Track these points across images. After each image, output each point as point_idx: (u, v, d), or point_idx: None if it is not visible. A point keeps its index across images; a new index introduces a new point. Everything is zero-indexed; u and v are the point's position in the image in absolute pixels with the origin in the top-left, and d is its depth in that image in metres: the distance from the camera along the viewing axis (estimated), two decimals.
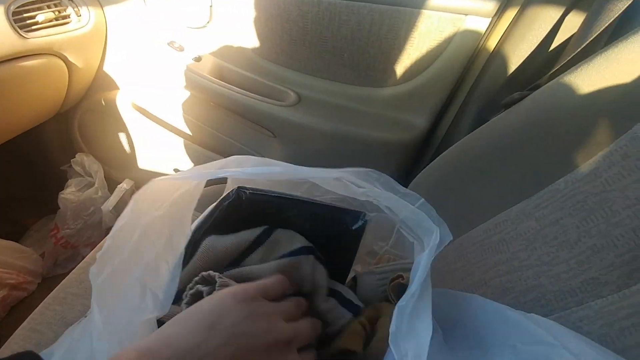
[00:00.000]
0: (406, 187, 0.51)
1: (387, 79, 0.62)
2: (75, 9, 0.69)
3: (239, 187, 0.30)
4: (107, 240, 0.25)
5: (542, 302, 0.31)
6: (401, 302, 0.22)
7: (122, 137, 0.86)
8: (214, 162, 0.29)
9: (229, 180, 0.37)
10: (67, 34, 0.67)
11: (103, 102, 0.81)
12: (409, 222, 0.31)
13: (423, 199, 0.32)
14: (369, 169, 0.34)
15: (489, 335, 0.25)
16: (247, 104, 0.67)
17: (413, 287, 0.22)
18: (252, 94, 0.67)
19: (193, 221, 0.32)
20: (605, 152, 0.33)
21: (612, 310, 0.27)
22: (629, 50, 0.35)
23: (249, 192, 0.30)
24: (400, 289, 0.31)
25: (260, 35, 0.66)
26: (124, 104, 0.80)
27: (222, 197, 0.32)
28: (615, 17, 0.40)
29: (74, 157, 0.90)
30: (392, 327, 0.20)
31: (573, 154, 0.35)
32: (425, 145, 0.65)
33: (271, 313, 0.23)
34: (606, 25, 0.41)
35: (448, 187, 0.46)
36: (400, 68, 0.60)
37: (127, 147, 0.87)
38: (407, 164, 0.67)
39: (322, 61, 0.64)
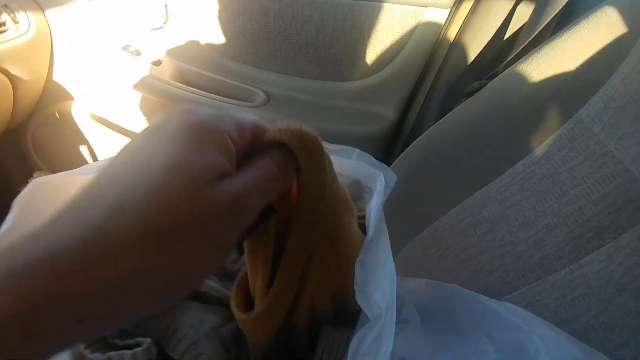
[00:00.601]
0: None
1: (354, 73, 0.63)
2: (12, 15, 0.63)
3: None
4: None
5: (506, 279, 0.34)
6: (360, 255, 0.20)
7: (83, 149, 0.81)
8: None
9: None
10: (4, 44, 0.62)
11: (57, 115, 0.76)
12: (355, 175, 0.29)
13: (358, 150, 0.30)
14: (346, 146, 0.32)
15: (466, 323, 0.27)
16: (213, 107, 0.66)
17: (369, 235, 0.21)
18: (219, 97, 0.66)
19: None
20: (555, 136, 0.36)
21: (564, 282, 0.30)
22: (572, 39, 0.38)
23: None
24: None
25: (222, 34, 0.64)
26: (80, 114, 0.75)
27: None
28: (560, 7, 0.43)
29: (32, 176, 0.84)
30: (356, 282, 0.19)
31: (528, 139, 0.38)
32: (396, 136, 0.67)
33: None
34: (553, 15, 0.44)
35: (420, 176, 0.48)
36: (366, 61, 0.62)
37: (89, 160, 0.83)
38: (379, 156, 0.69)
39: (288, 58, 0.63)
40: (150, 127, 0.16)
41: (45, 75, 0.72)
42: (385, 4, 0.56)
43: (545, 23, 0.45)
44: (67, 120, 0.76)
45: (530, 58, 0.41)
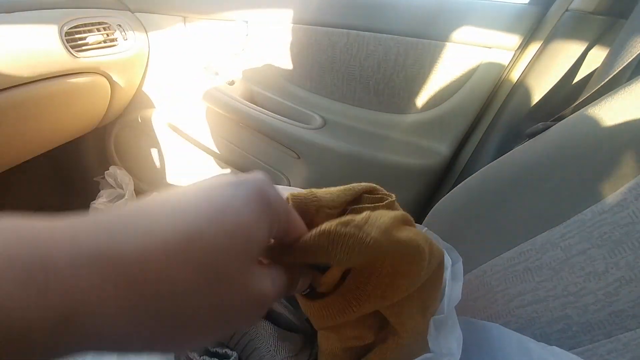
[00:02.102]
0: (427, 213, 0.52)
1: (411, 107, 0.65)
2: (122, 34, 0.76)
3: None
4: None
5: (569, 333, 0.31)
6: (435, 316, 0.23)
7: (155, 152, 0.91)
8: None
9: None
10: (113, 55, 0.74)
11: (140, 120, 0.87)
12: None
13: (426, 228, 0.34)
14: None
15: None
16: (274, 126, 0.71)
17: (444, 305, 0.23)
18: (280, 117, 0.71)
19: None
20: (631, 184, 0.33)
21: (639, 343, 0.26)
22: None
23: None
24: None
25: (291, 62, 0.70)
26: (159, 122, 0.85)
27: None
28: (638, 52, 0.42)
29: (108, 169, 0.95)
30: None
31: (599, 185, 0.36)
32: (447, 172, 0.66)
33: None
34: (630, 59, 0.42)
35: (470, 215, 0.47)
36: (424, 96, 0.63)
37: (158, 163, 0.92)
38: (428, 191, 0.68)
39: (348, 88, 0.67)
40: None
41: (138, 85, 0.84)
42: (447, 43, 0.58)
43: (622, 67, 0.43)
44: (147, 126, 0.86)
45: (603, 102, 0.39)
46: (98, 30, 0.72)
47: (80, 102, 0.74)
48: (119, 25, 0.75)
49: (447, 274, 0.29)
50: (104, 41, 0.72)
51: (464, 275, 0.45)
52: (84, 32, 0.68)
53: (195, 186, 0.16)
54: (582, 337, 0.30)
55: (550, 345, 0.33)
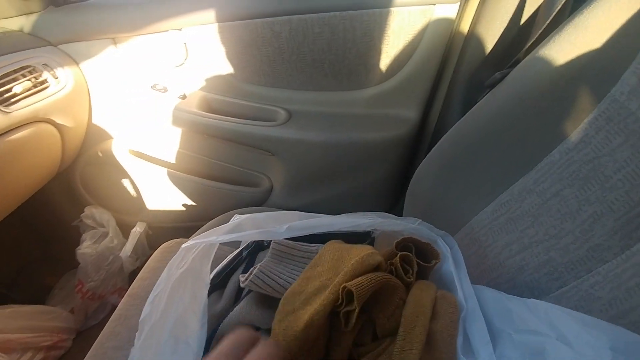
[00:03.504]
0: (408, 183, 0.53)
1: (370, 80, 0.64)
2: (51, 72, 0.69)
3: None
4: (146, 307, 0.27)
5: (555, 275, 0.33)
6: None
7: (126, 182, 0.87)
8: (228, 224, 0.32)
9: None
10: (48, 98, 0.68)
11: (100, 154, 0.83)
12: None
13: (420, 220, 0.35)
14: (373, 212, 0.37)
15: (492, 324, 0.27)
16: (239, 131, 0.69)
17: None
18: (243, 120, 0.69)
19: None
20: (590, 118, 0.34)
21: (617, 273, 0.28)
22: (593, 15, 0.36)
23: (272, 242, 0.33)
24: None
25: (239, 62, 0.67)
26: (120, 151, 0.81)
27: (240, 248, 0.35)
28: None
29: (83, 211, 0.92)
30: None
31: (562, 124, 0.37)
32: (420, 137, 0.66)
33: None
34: None
35: (448, 177, 0.48)
36: (381, 66, 0.62)
37: (132, 192, 0.89)
38: (405, 159, 0.68)
39: (304, 75, 0.65)
40: None
41: (87, 120, 0.79)
42: (392, 8, 0.56)
43: (563, 2, 0.43)
44: (109, 158, 0.82)
45: (551, 41, 0.39)
46: (23, 76, 0.65)
47: (31, 155, 0.69)
48: (45, 65, 0.68)
49: (450, 263, 0.31)
50: (34, 86, 0.66)
51: (454, 235, 0.47)
52: (8, 82, 0.62)
53: None
54: (567, 276, 0.32)
55: (540, 288, 0.35)
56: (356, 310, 0.25)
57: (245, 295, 0.31)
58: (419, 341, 0.24)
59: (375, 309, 0.27)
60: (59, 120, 0.71)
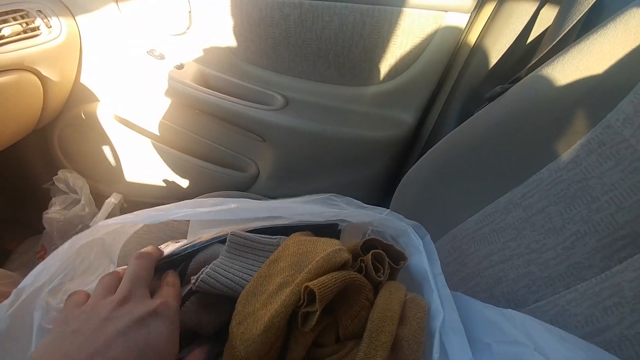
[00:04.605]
0: (398, 182, 0.53)
1: (373, 78, 0.63)
2: (45, 20, 0.66)
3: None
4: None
5: (533, 288, 0.33)
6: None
7: (106, 150, 0.83)
8: (165, 206, 0.31)
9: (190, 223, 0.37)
10: (37, 47, 0.64)
11: (83, 116, 0.79)
12: (381, 227, 0.34)
13: (388, 210, 0.35)
14: (329, 195, 0.36)
15: (469, 333, 0.26)
16: (233, 110, 0.67)
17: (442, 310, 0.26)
18: (238, 100, 0.67)
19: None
20: (583, 141, 0.35)
21: (596, 291, 0.29)
22: (599, 42, 0.37)
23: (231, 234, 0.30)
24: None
25: (243, 40, 0.65)
26: (105, 116, 0.78)
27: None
28: (585, 10, 0.43)
29: (56, 174, 0.87)
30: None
31: (554, 143, 0.37)
32: (414, 141, 0.66)
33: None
34: (578, 18, 0.43)
35: (438, 182, 0.48)
36: (385, 66, 0.62)
37: (112, 161, 0.85)
38: (396, 161, 0.68)
39: (307, 63, 0.64)
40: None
41: (74, 77, 0.75)
42: (404, 9, 0.56)
43: (571, 25, 0.44)
44: (92, 122, 0.79)
45: (555, 61, 0.40)
46: (14, 19, 0.61)
47: (9, 103, 0.65)
48: (39, 12, 0.65)
49: (423, 258, 0.30)
50: (24, 31, 0.62)
51: (436, 241, 0.47)
52: None
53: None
54: (544, 291, 0.32)
55: (517, 299, 0.36)
56: (317, 312, 0.23)
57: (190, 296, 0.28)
58: (384, 348, 0.23)
59: (339, 310, 0.26)
60: (44, 72, 0.67)
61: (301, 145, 0.67)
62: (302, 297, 0.24)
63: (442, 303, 0.29)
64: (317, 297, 0.23)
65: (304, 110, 0.66)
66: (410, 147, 0.67)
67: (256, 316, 0.24)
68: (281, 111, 0.66)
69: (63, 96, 0.77)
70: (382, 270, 0.28)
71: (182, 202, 0.32)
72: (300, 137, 0.65)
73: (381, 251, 0.29)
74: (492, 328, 0.25)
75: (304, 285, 0.24)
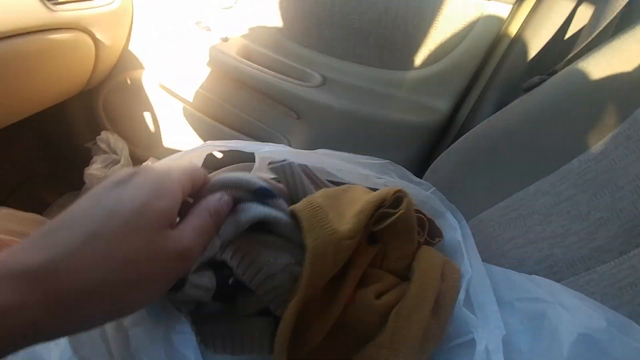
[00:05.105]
0: (427, 168, 0.55)
1: (411, 62, 0.65)
2: None
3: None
4: None
5: (555, 269, 0.36)
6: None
7: (147, 116, 0.88)
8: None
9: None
10: (94, 9, 0.68)
11: (129, 81, 0.83)
12: (423, 205, 0.36)
13: (434, 188, 0.38)
14: (387, 161, 0.39)
15: (495, 294, 0.29)
16: (271, 83, 0.70)
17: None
18: (279, 74, 0.69)
19: None
20: (613, 134, 0.37)
21: (613, 273, 0.32)
22: (631, 41, 0.39)
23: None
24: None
25: (288, 17, 0.67)
26: (149, 83, 0.82)
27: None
28: (619, 9, 0.44)
29: (99, 134, 0.93)
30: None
31: (586, 136, 0.39)
32: (446, 128, 0.68)
33: None
34: (612, 16, 0.44)
35: (469, 168, 0.49)
36: (425, 51, 0.63)
37: (152, 126, 0.89)
38: (428, 147, 0.70)
39: (347, 43, 0.66)
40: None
41: (124, 44, 0.79)
42: None
43: (606, 23, 0.45)
44: (137, 87, 0.83)
45: (590, 57, 0.41)
46: None
47: (62, 61, 0.69)
48: None
49: (458, 234, 0.33)
50: None
51: None
52: None
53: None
54: (565, 272, 0.35)
55: None
56: (400, 213, 0.26)
57: None
58: (434, 292, 0.26)
59: (392, 241, 0.28)
60: (98, 35, 0.71)
61: (334, 124, 0.69)
62: (388, 198, 0.27)
63: (471, 265, 0.32)
64: (405, 200, 0.26)
65: (341, 90, 0.68)
66: (443, 134, 0.69)
67: (341, 214, 0.26)
68: (318, 89, 0.68)
69: (112, 60, 0.81)
70: (421, 234, 0.32)
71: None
72: (334, 116, 0.68)
73: (423, 217, 0.32)
74: (516, 288, 0.28)
75: (395, 189, 0.27)
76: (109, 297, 0.16)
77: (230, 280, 0.25)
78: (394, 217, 0.26)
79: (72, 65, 0.73)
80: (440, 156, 0.54)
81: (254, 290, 0.24)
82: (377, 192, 0.27)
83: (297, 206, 0.26)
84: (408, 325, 0.25)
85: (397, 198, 0.27)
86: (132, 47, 0.79)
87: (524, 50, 0.59)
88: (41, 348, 0.24)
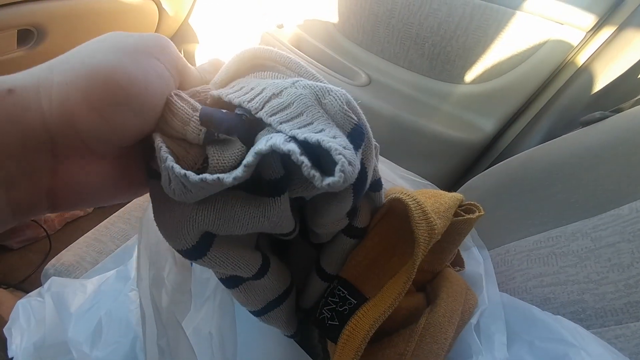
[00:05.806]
0: (459, 185, 0.53)
1: (464, 77, 0.62)
2: None
3: None
4: None
5: (582, 316, 0.34)
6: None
7: None
8: None
9: None
10: None
11: (182, 53, 0.86)
12: None
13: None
14: (428, 183, 0.38)
15: (510, 331, 0.28)
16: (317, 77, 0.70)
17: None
18: (325, 68, 0.70)
19: None
20: None
21: None
22: None
23: None
24: None
25: (346, 12, 0.67)
26: (202, 56, 0.85)
27: None
28: None
29: None
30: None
31: None
32: (488, 149, 0.65)
33: None
34: None
35: (505, 194, 0.48)
36: (480, 67, 0.60)
37: None
38: (464, 165, 0.68)
39: (401, 47, 0.64)
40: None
41: (184, 16, 0.82)
42: (519, 12, 0.54)
43: None
44: (189, 59, 0.86)
45: None
46: None
47: (128, 24, 0.73)
48: None
49: (481, 269, 0.32)
50: None
51: (488, 250, 0.48)
52: None
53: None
54: (593, 321, 0.33)
55: None
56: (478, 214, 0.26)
57: None
58: (459, 307, 0.25)
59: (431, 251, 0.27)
60: (164, 4, 0.74)
61: (373, 127, 0.68)
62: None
63: (488, 298, 0.31)
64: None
65: (385, 93, 0.67)
66: (483, 154, 0.66)
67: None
68: (363, 88, 0.68)
69: (171, 31, 0.85)
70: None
71: None
72: (374, 118, 0.67)
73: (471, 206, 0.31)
74: (538, 326, 0.27)
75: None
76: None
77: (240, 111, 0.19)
78: (473, 216, 0.26)
79: (135, 29, 0.77)
80: (477, 176, 0.52)
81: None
82: (452, 193, 0.27)
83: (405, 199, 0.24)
84: (433, 341, 0.24)
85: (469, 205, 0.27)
86: (191, 21, 0.82)
87: (590, 82, 0.55)
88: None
